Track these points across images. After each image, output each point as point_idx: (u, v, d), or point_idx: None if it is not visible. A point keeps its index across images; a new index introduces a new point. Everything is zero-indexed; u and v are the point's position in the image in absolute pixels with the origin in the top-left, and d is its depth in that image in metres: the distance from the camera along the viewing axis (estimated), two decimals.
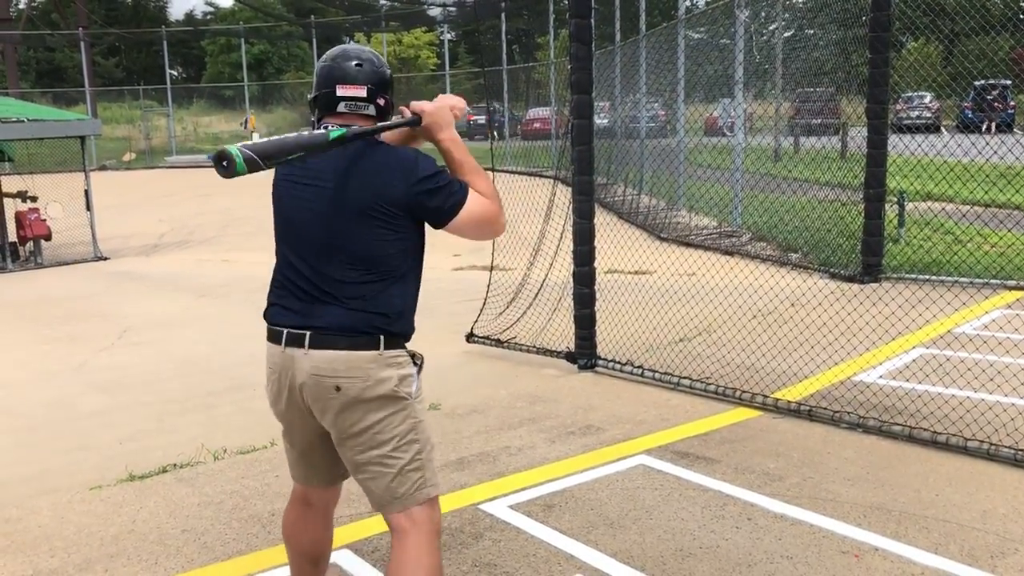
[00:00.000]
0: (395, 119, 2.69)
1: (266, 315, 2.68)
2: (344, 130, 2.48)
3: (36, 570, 3.56)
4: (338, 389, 2.52)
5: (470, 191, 2.61)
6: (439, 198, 2.56)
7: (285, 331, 2.58)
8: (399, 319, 2.59)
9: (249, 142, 2.34)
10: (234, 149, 2.29)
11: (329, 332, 2.52)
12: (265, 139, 2.40)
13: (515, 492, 4.11)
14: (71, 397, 6.05)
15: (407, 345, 2.65)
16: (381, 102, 2.66)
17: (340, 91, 2.62)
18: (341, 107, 2.63)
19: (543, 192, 6.94)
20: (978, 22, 8.30)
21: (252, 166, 2.31)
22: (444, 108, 2.70)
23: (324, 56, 2.71)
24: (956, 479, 4.09)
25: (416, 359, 2.65)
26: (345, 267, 2.54)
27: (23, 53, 46.44)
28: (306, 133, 2.47)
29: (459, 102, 2.78)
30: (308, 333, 2.53)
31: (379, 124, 2.62)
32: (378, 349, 2.54)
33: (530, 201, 7.24)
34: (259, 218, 16.44)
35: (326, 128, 2.52)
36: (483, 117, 30.97)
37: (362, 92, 2.62)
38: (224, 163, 2.28)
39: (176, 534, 3.83)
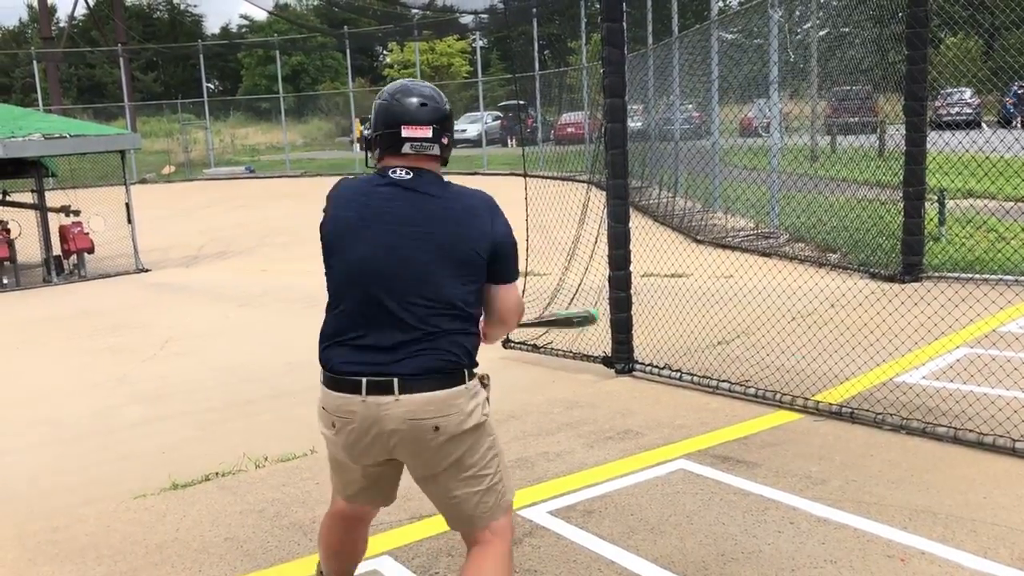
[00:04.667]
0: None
1: (330, 364, 2.57)
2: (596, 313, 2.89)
3: None
4: (436, 429, 2.52)
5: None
6: (513, 253, 2.67)
7: (365, 379, 2.50)
8: (474, 352, 2.64)
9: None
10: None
11: (420, 376, 2.50)
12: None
13: (554, 498, 4.10)
14: (115, 407, 6.15)
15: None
16: (445, 141, 2.64)
17: (405, 132, 2.57)
18: (406, 148, 2.59)
19: (577, 197, 6.93)
20: (1019, 15, 8.14)
21: None
22: None
23: (382, 92, 2.66)
24: (1005, 481, 4.01)
25: (484, 380, 2.67)
26: (429, 309, 2.53)
27: (64, 70, 47.37)
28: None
29: None
30: (396, 379, 2.49)
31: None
32: (464, 383, 2.57)
33: (564, 206, 7.24)
34: (295, 228, 16.61)
35: (396, 176, 2.60)
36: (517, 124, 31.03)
37: (428, 133, 2.59)
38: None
39: (219, 542, 3.87)
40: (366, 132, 2.69)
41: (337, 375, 2.55)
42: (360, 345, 2.54)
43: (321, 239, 2.65)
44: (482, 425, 2.63)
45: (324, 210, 2.65)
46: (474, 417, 2.58)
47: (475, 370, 2.64)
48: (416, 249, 2.53)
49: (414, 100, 2.59)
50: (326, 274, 2.65)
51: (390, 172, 2.60)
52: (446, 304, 2.54)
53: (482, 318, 2.70)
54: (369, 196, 2.60)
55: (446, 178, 2.68)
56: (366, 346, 2.53)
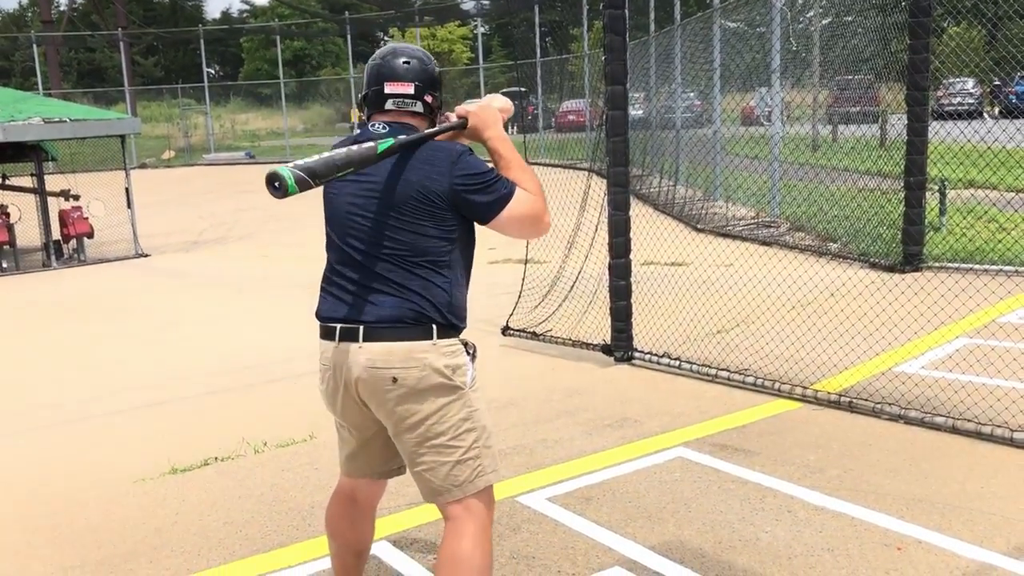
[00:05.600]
0: (441, 124, 2.73)
1: (317, 312, 2.68)
2: (391, 141, 2.52)
3: (84, 561, 3.64)
4: (395, 380, 2.53)
5: (517, 189, 2.61)
6: (484, 194, 2.57)
7: (338, 327, 2.58)
8: (449, 310, 2.59)
9: (300, 161, 2.38)
10: (285, 171, 2.31)
11: (382, 324, 2.54)
12: (315, 157, 2.42)
13: (552, 484, 4.12)
14: (114, 392, 6.15)
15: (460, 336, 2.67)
16: (428, 99, 2.69)
17: (388, 88, 2.66)
18: (389, 104, 2.67)
19: (578, 184, 6.92)
20: (1022, 5, 8.11)
21: (303, 185, 2.34)
22: (490, 108, 2.75)
23: (374, 55, 2.74)
24: (1002, 471, 4.02)
25: (469, 348, 2.66)
26: (391, 259, 2.56)
27: (65, 54, 47.22)
28: (355, 148, 2.49)
29: (506, 103, 2.82)
30: (361, 327, 2.55)
31: (425, 132, 2.65)
32: (431, 339, 2.55)
33: (565, 193, 7.22)
34: (296, 214, 16.57)
35: (374, 128, 2.61)
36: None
37: (409, 89, 2.65)
38: (276, 184, 2.30)
39: (218, 526, 3.89)
40: (359, 96, 2.76)
41: (321, 323, 2.65)
42: (335, 293, 2.64)
43: None
44: (455, 390, 2.57)
45: None
46: (439, 376, 2.54)
47: (452, 329, 2.60)
48: (370, 198, 2.59)
49: (400, 59, 2.68)
50: None
51: (370, 126, 2.68)
52: (406, 252, 2.56)
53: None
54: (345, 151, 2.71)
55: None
56: (339, 294, 2.63)
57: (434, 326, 2.56)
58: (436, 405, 2.56)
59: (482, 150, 2.74)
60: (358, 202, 2.61)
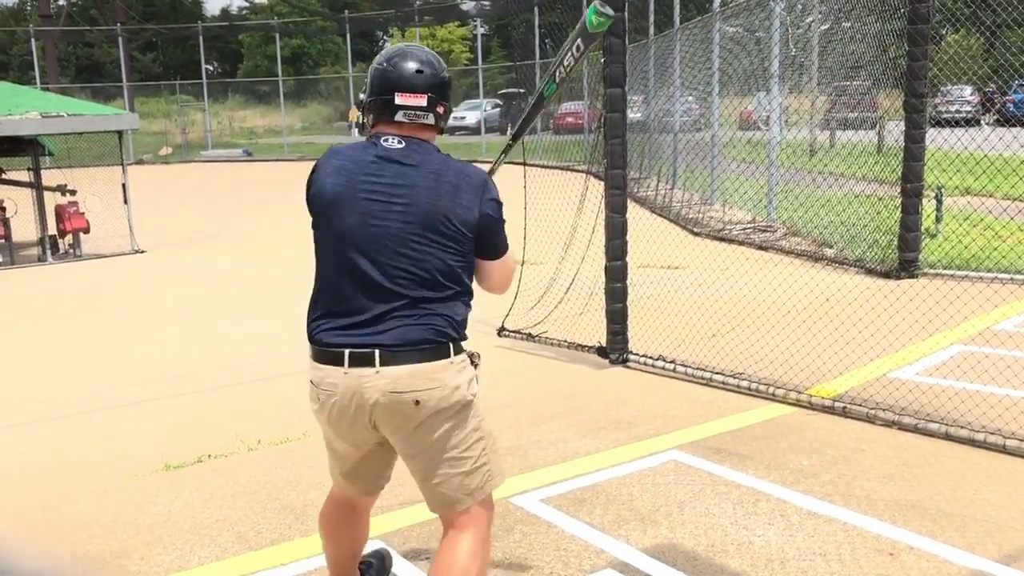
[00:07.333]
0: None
1: (314, 336, 2.54)
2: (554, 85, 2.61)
3: (75, 556, 3.63)
4: (417, 403, 2.46)
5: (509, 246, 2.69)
6: (500, 230, 2.60)
7: (347, 351, 2.46)
8: (462, 326, 2.57)
9: None
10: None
11: (402, 347, 2.45)
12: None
13: (546, 486, 4.12)
14: (108, 388, 6.14)
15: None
16: (440, 110, 2.59)
17: (399, 99, 2.52)
18: (399, 116, 2.54)
19: (575, 186, 6.92)
20: (1021, 14, 8.13)
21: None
22: None
23: (380, 56, 2.60)
24: (995, 478, 4.03)
25: (475, 359, 2.63)
26: (413, 282, 2.48)
27: (63, 49, 47.15)
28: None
29: None
30: (377, 350, 2.44)
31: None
32: (449, 357, 2.51)
33: (562, 195, 7.23)
34: (292, 212, 16.55)
35: (388, 144, 2.52)
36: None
37: (423, 101, 2.53)
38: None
39: (211, 523, 3.88)
40: (362, 96, 2.64)
41: (322, 347, 2.52)
42: (344, 316, 2.50)
43: (309, 209, 2.58)
44: (469, 404, 2.56)
45: (309, 181, 2.57)
46: (459, 393, 2.51)
47: (464, 345, 2.58)
48: (399, 219, 2.47)
49: (410, 66, 2.53)
50: (314, 245, 2.60)
51: (382, 140, 2.55)
52: (429, 274, 2.48)
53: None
54: (358, 164, 2.53)
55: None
56: (349, 317, 2.49)
57: (450, 344, 2.52)
58: (454, 421, 2.53)
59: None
60: (384, 223, 2.48)
